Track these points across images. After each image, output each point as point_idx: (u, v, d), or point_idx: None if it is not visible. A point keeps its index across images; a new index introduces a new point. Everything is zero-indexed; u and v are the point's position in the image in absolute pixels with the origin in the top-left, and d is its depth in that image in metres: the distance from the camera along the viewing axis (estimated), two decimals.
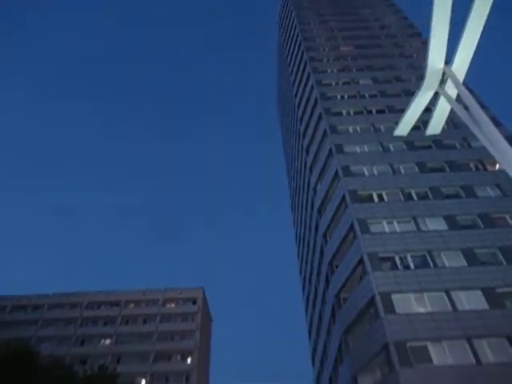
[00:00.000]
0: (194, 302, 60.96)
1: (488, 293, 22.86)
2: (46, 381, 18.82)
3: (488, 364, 19.86)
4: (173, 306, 60.87)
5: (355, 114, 38.72)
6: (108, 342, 56.15)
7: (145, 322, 58.60)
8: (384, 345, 21.40)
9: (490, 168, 31.46)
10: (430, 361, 20.28)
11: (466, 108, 7.57)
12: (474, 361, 20.04)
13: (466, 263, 24.64)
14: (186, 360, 54.25)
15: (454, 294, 23.00)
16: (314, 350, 43.70)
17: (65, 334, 56.13)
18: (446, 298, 22.80)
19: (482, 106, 34.55)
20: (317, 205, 36.02)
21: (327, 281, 32.00)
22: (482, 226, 26.87)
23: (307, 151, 41.61)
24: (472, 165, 31.92)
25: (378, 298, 22.87)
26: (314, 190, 37.37)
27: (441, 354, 20.54)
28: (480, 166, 31.73)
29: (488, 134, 6.87)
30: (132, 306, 60.72)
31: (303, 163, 44.38)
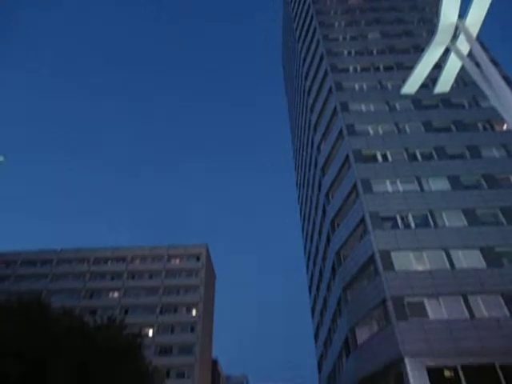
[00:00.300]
0: (198, 259, 62.62)
1: (486, 252, 23.31)
2: (58, 330, 19.70)
3: (481, 318, 20.67)
4: (177, 262, 62.59)
5: (362, 70, 37.56)
6: (116, 295, 58.42)
7: (150, 277, 60.58)
8: (382, 300, 22.19)
9: (497, 128, 30.93)
10: (426, 315, 21.10)
11: (478, 65, 7.33)
12: (467, 315, 20.85)
13: (466, 223, 24.92)
14: (191, 312, 56.66)
15: (452, 252, 23.47)
16: (314, 303, 45.41)
17: (74, 288, 58.35)
18: (445, 257, 23.30)
19: (495, 64, 33.39)
20: (320, 164, 35.91)
21: (328, 239, 32.61)
22: (485, 186, 26.88)
23: (312, 110, 40.85)
24: (479, 125, 31.35)
25: (377, 256, 23.42)
26: (318, 148, 37.11)
27: (436, 309, 21.33)
28: (487, 126, 31.18)
29: (499, 93, 6.70)
30: (138, 261, 62.51)
31: (308, 122, 43.74)
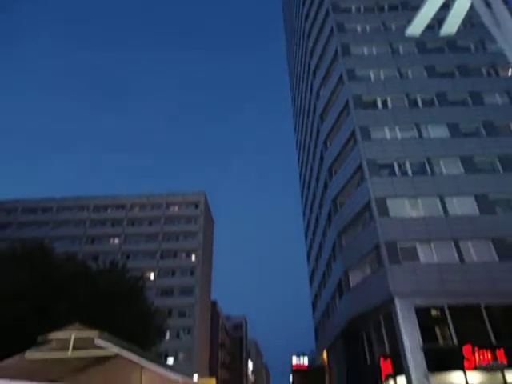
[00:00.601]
0: (197, 206, 63.44)
1: (480, 199, 23.67)
2: (61, 275, 20.31)
3: (470, 263, 21.48)
4: (176, 209, 63.46)
5: (365, 10, 35.57)
6: (117, 241, 59.89)
7: (150, 223, 61.72)
8: (376, 245, 22.88)
9: (502, 73, 29.99)
10: (417, 259, 21.89)
11: (488, 5, 6.90)
12: (457, 260, 21.64)
13: (463, 170, 25.03)
14: (191, 257, 58.53)
15: (447, 199, 23.82)
16: (310, 248, 46.86)
17: (75, 234, 59.63)
18: (439, 204, 23.68)
19: (506, 3, 31.56)
20: (319, 110, 35.21)
21: (325, 186, 32.87)
22: (484, 133, 26.64)
23: (311, 53, 39.22)
24: (484, 70, 30.35)
25: (373, 203, 23.77)
26: (317, 94, 36.17)
27: (428, 254, 22.08)
28: (492, 71, 30.21)
29: (508, 36, 6.37)
30: (137, 209, 63.33)
31: (307, 67, 42.19)
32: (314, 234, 42.63)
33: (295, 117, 58.74)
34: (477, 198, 23.76)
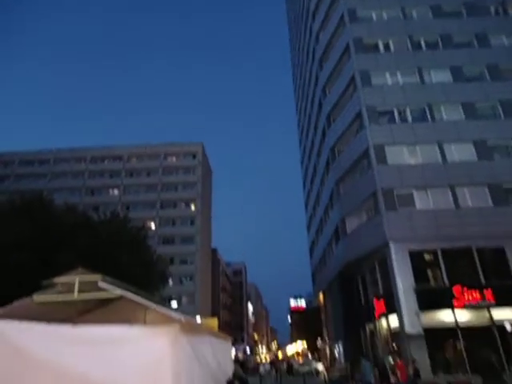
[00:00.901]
0: (194, 156, 63.12)
1: (479, 145, 23.55)
2: (62, 226, 20.51)
3: (465, 208, 21.85)
4: (174, 159, 63.19)
5: None
6: (116, 192, 60.26)
7: (148, 174, 61.73)
8: (373, 192, 23.11)
9: (511, 13, 28.53)
10: (413, 205, 22.23)
11: None
12: (453, 206, 22.00)
13: (463, 116, 24.65)
14: (190, 207, 59.30)
15: (446, 146, 23.69)
16: (308, 197, 47.40)
17: (74, 186, 59.83)
18: (438, 151, 23.59)
19: None
20: (318, 55, 33.90)
21: (324, 134, 32.52)
22: (487, 78, 25.89)
23: None
24: (492, 8, 28.82)
25: (371, 150, 23.66)
26: (317, 38, 34.61)
27: (424, 200, 22.38)
28: (500, 10, 28.72)
29: None
30: (134, 159, 63.03)
31: (306, 9, 39.97)
32: (312, 182, 42.88)
33: (294, 67, 56.69)
34: (475, 144, 23.63)
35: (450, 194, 22.36)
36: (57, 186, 58.69)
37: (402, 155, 23.77)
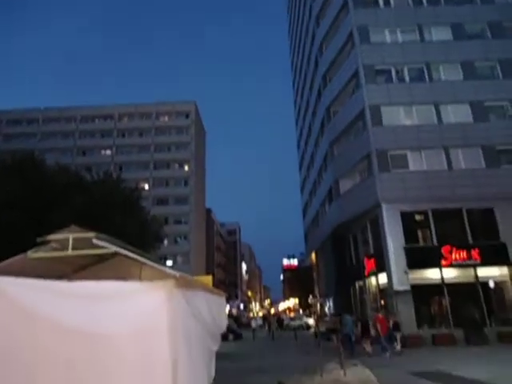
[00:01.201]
0: (187, 116, 61.95)
1: (476, 106, 23.30)
2: (54, 186, 20.28)
3: (458, 170, 21.98)
4: (166, 119, 62.02)
5: None
6: (108, 152, 59.51)
7: (140, 134, 60.75)
8: (367, 153, 23.06)
9: None
10: (407, 167, 22.30)
11: None
12: (446, 167, 22.10)
13: (461, 77, 24.19)
14: (184, 168, 59.00)
15: (442, 107, 23.42)
16: (302, 158, 47.27)
17: (65, 147, 58.83)
18: (434, 112, 23.34)
19: None
20: (315, 11, 32.53)
21: (319, 94, 31.89)
22: (489, 35, 25.17)
23: None
24: None
25: (367, 111, 23.33)
26: None
27: (417, 162, 22.43)
28: None
29: None
30: (126, 119, 61.76)
31: None
32: (306, 143, 42.59)
33: (291, 22, 54.41)
34: (472, 105, 23.37)
35: (443, 155, 22.39)
36: (47, 146, 57.67)
37: (397, 116, 23.51)
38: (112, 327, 3.86)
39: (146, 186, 55.79)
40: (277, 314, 75.90)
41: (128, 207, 22.68)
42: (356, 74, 24.96)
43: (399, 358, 14.42)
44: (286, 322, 41.56)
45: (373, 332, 17.32)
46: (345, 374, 6.46)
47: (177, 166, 59.38)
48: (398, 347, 16.11)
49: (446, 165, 22.16)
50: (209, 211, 69.74)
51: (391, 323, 16.83)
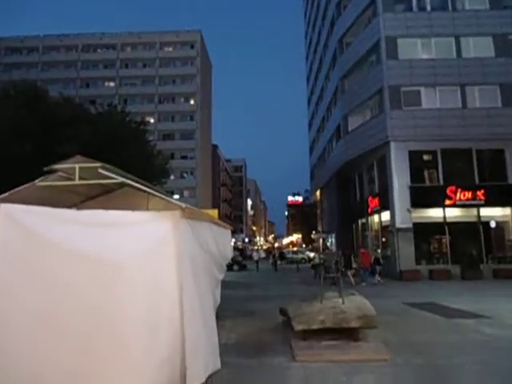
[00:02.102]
0: (192, 46, 59.18)
1: (499, 40, 21.86)
2: (59, 118, 20.00)
3: (472, 108, 21.24)
4: (170, 49, 59.36)
5: None
6: (112, 84, 57.91)
7: (144, 66, 58.62)
8: (379, 89, 22.20)
9: None
10: (419, 104, 21.56)
11: None
12: (460, 105, 21.34)
13: (487, 6, 22.40)
14: (189, 102, 57.66)
15: (463, 40, 22.02)
16: (311, 93, 45.79)
17: (68, 77, 57.19)
18: (454, 45, 21.99)
19: None
20: None
21: (332, 24, 29.97)
22: None
23: None
24: None
25: (383, 42, 22.04)
26: None
27: (431, 99, 21.62)
28: None
29: None
30: (129, 49, 59.21)
31: None
32: (316, 78, 40.96)
33: None
34: (495, 38, 21.91)
35: (459, 92, 21.52)
36: (49, 76, 56.01)
37: (414, 49, 22.22)
38: (120, 254, 4.00)
39: (152, 121, 55.03)
40: (280, 247, 78.88)
41: (134, 140, 22.57)
42: (373, 1, 23.18)
43: (397, 290, 15.18)
44: (289, 256, 42.95)
45: (355, 265, 19.29)
46: (343, 302, 6.82)
47: (182, 99, 57.99)
48: (378, 278, 17.76)
49: (460, 103, 21.37)
50: (215, 147, 69.43)
51: (373, 258, 18.44)
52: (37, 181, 4.62)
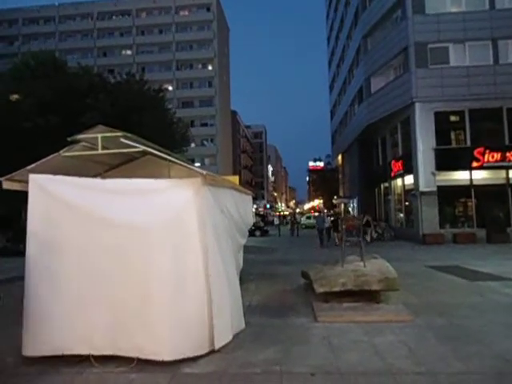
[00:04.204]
0: (208, 9, 57.46)
1: None
2: (79, 88, 20.17)
3: (504, 64, 20.00)
4: (186, 13, 57.88)
5: None
6: (129, 52, 57.43)
7: (160, 32, 57.61)
8: (404, 47, 21.13)
9: None
10: (447, 62, 20.45)
11: None
12: (491, 62, 20.13)
13: None
14: (207, 67, 56.74)
15: None
16: (332, 54, 44.13)
17: (85, 47, 57.00)
18: None
19: None
20: None
21: None
22: None
23: None
24: None
25: None
26: None
27: (459, 56, 20.45)
28: None
29: None
30: (144, 14, 58.11)
31: None
32: (337, 38, 39.30)
33: None
34: None
35: (490, 48, 20.22)
36: (67, 46, 56.08)
37: (442, 2, 20.82)
38: (145, 220, 4.14)
39: (170, 88, 54.63)
40: (302, 213, 79.02)
41: (153, 109, 22.57)
42: None
43: (420, 254, 15.12)
44: (304, 222, 42.20)
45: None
46: (365, 266, 6.86)
47: (200, 65, 57.11)
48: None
49: (491, 59, 20.14)
50: (234, 113, 68.73)
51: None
52: (61, 151, 4.75)
